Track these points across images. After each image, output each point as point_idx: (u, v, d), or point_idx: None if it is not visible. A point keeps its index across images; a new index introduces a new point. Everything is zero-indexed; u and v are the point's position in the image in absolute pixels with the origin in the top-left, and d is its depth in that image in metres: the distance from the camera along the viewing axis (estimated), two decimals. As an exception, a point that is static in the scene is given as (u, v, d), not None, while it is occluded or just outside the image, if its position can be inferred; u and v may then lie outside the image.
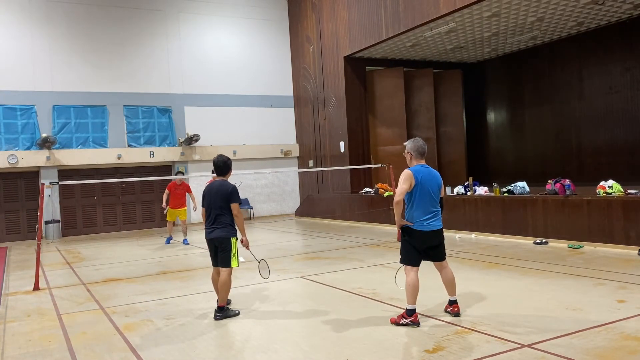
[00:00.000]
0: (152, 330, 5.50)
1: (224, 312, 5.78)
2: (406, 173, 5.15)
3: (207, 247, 6.13)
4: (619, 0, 12.36)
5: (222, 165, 5.96)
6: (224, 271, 5.81)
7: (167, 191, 12.78)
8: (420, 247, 5.23)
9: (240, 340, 5.12)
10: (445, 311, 5.44)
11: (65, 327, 5.81)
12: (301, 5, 19.30)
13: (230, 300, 6.17)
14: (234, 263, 5.82)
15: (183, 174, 14.49)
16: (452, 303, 5.39)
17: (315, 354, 4.52)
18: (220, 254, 5.84)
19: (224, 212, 5.81)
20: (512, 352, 4.23)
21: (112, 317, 6.13)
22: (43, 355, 4.91)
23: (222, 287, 5.79)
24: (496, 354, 4.21)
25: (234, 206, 5.81)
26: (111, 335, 5.38)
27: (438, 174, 5.38)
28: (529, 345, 4.36)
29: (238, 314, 5.89)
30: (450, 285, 5.39)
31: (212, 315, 5.85)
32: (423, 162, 5.34)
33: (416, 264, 5.22)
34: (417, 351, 4.44)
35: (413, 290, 5.10)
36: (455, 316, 5.30)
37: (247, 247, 6.05)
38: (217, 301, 5.90)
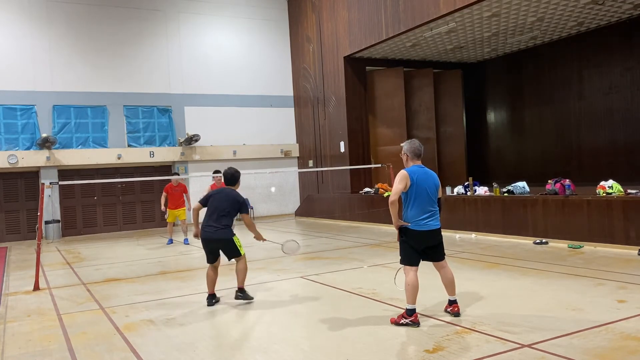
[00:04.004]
0: (152, 330, 5.50)
1: (244, 292, 6.45)
2: (401, 173, 5.18)
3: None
4: (619, 0, 12.36)
5: (230, 177, 6.61)
6: (239, 260, 6.45)
7: (164, 193, 12.87)
8: (418, 247, 5.23)
9: (240, 340, 5.13)
10: (445, 311, 5.44)
11: (65, 327, 5.81)
12: (301, 5, 19.30)
13: (214, 295, 6.52)
14: (242, 251, 6.45)
15: (179, 175, 14.50)
16: (452, 303, 5.39)
17: (315, 354, 4.52)
18: (227, 252, 6.43)
19: (227, 215, 6.36)
20: (512, 352, 4.23)
21: (112, 317, 6.12)
22: (43, 355, 4.91)
23: (241, 272, 6.45)
24: (496, 354, 4.21)
25: (245, 216, 6.48)
26: (111, 335, 5.38)
27: (435, 174, 5.38)
28: (529, 345, 4.36)
29: (253, 299, 6.47)
30: (449, 285, 5.39)
31: (212, 315, 5.86)
32: (419, 163, 5.35)
33: (415, 263, 5.22)
34: (417, 351, 4.44)
35: (412, 290, 5.11)
36: (455, 316, 5.30)
37: (263, 240, 6.67)
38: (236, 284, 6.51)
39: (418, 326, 5.03)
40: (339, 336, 4.95)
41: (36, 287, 8.01)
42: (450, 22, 13.40)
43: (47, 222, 15.69)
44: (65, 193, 16.64)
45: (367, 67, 17.31)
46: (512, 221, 10.67)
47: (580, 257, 8.27)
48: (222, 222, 6.29)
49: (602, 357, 4.04)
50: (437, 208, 5.30)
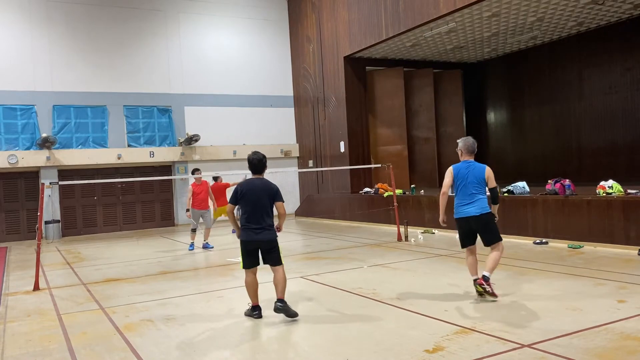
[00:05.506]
0: (152, 330, 5.50)
1: (285, 303, 5.61)
2: (448, 169, 6.04)
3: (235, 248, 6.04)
4: (619, 0, 12.36)
5: (258, 163, 5.90)
6: (279, 268, 5.73)
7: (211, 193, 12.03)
8: (462, 232, 6.00)
9: (240, 340, 5.12)
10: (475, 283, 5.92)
11: (65, 327, 5.81)
12: (301, 5, 19.30)
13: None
14: (283, 260, 5.81)
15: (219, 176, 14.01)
16: (484, 277, 5.84)
17: (315, 354, 4.52)
18: (273, 254, 5.74)
19: (269, 212, 5.73)
20: (512, 352, 4.23)
21: (112, 317, 6.12)
22: (43, 355, 4.91)
23: (284, 282, 5.69)
24: (496, 354, 4.21)
25: (281, 205, 5.79)
26: (111, 335, 5.38)
27: (481, 167, 5.99)
28: (529, 345, 4.36)
29: (297, 315, 5.66)
30: (490, 262, 5.91)
31: (212, 315, 5.86)
32: (470, 159, 6.04)
33: (465, 246, 6.08)
34: (417, 351, 4.43)
35: (469, 266, 6.09)
36: (479, 293, 5.82)
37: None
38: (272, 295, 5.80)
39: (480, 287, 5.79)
40: (339, 336, 4.95)
41: (36, 287, 8.00)
42: (450, 22, 13.39)
43: (47, 222, 15.69)
44: (65, 193, 16.64)
45: (367, 67, 17.31)
46: (512, 221, 10.66)
47: (580, 257, 8.27)
48: (268, 222, 5.66)
49: (602, 357, 4.04)
50: (480, 197, 5.89)
